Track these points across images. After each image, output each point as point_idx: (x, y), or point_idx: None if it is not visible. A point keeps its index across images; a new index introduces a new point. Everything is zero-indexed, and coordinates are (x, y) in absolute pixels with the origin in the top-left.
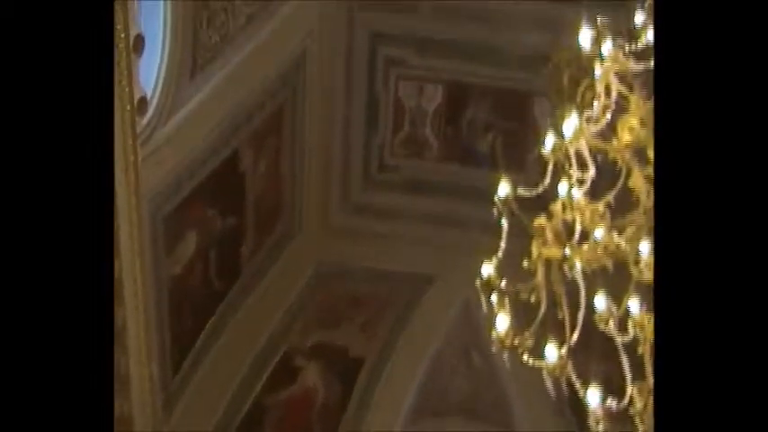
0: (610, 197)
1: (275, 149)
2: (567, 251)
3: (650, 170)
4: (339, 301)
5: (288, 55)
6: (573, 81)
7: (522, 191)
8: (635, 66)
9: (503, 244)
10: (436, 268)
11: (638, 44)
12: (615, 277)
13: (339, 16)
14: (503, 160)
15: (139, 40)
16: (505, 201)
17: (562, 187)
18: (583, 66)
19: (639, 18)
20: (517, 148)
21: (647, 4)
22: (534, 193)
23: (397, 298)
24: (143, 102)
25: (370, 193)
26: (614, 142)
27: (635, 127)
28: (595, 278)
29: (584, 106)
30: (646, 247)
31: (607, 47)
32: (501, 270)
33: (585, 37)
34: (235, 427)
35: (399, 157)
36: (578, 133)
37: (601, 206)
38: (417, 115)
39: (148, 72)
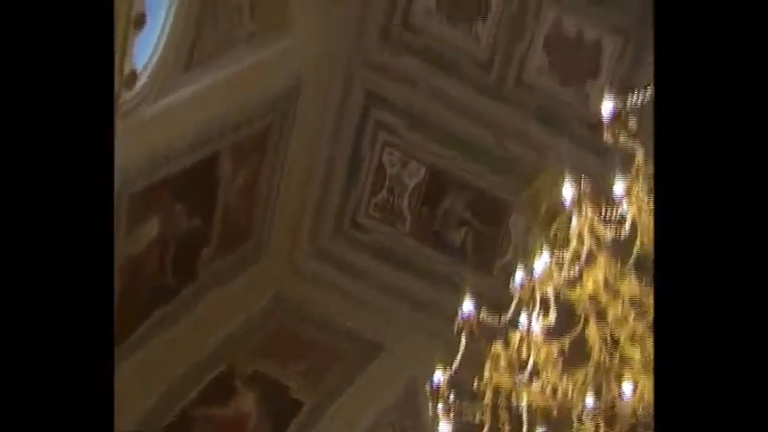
0: (566, 342)
1: (256, 167)
2: (517, 383)
3: (606, 330)
4: (289, 338)
5: (283, 81)
6: (550, 212)
7: (484, 314)
8: (607, 234)
9: (458, 358)
10: (388, 339)
11: (615, 213)
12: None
13: (339, 63)
14: (472, 258)
15: (141, 17)
16: (467, 321)
17: (523, 319)
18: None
19: (619, 188)
20: (487, 251)
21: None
22: (497, 320)
23: (345, 355)
24: (133, 75)
25: (338, 245)
26: (578, 289)
27: (599, 280)
28: (539, 416)
29: (555, 244)
30: (590, 402)
31: (585, 210)
32: (451, 383)
33: (567, 191)
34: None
35: (372, 220)
36: (547, 276)
37: (555, 349)
38: (397, 185)
39: (144, 51)
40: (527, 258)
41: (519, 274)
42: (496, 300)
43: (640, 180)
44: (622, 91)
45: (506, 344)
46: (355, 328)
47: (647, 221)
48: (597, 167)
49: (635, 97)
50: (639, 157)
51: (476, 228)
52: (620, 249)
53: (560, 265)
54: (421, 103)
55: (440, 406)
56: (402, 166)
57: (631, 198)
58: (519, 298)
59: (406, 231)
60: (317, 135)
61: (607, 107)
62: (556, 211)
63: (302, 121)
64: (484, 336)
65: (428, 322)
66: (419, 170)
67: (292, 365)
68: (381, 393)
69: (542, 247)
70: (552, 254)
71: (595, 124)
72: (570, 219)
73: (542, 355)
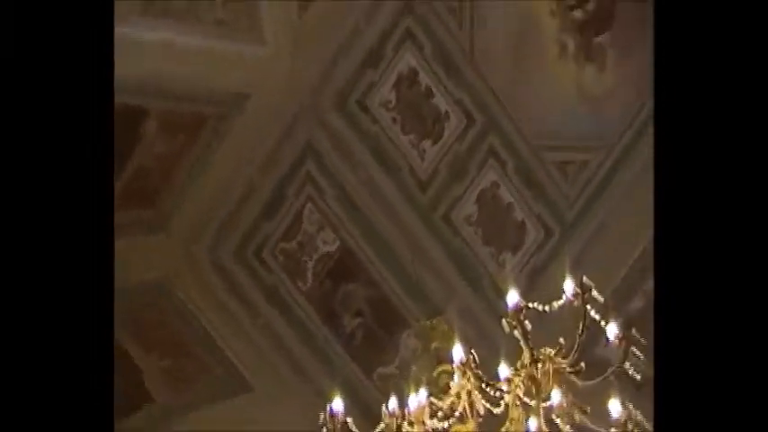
0: None
1: (180, 148)
2: None
3: None
4: (159, 328)
5: (234, 83)
6: (439, 355)
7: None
8: (481, 407)
9: None
10: (257, 383)
11: (494, 392)
12: None
13: (293, 99)
14: (356, 352)
15: None
16: (332, 418)
17: None
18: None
19: (502, 372)
20: (372, 353)
21: None
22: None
23: (215, 374)
24: None
25: (236, 266)
26: None
27: None
28: None
29: (436, 386)
30: None
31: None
32: None
33: (457, 353)
34: None
35: (276, 262)
36: (419, 414)
37: None
38: (308, 244)
39: None
40: (407, 385)
41: (393, 401)
42: (366, 409)
43: (521, 375)
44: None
45: None
46: (230, 357)
47: (518, 415)
48: (491, 339)
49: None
50: (526, 356)
51: (368, 325)
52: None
53: (433, 410)
54: (354, 184)
55: None
56: (319, 228)
57: (511, 386)
58: (386, 424)
59: (304, 291)
60: (249, 151)
61: (512, 297)
62: (444, 358)
63: (239, 131)
64: None
65: (298, 388)
66: (334, 242)
67: (156, 357)
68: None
69: (422, 384)
70: (429, 395)
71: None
72: (454, 373)
73: None
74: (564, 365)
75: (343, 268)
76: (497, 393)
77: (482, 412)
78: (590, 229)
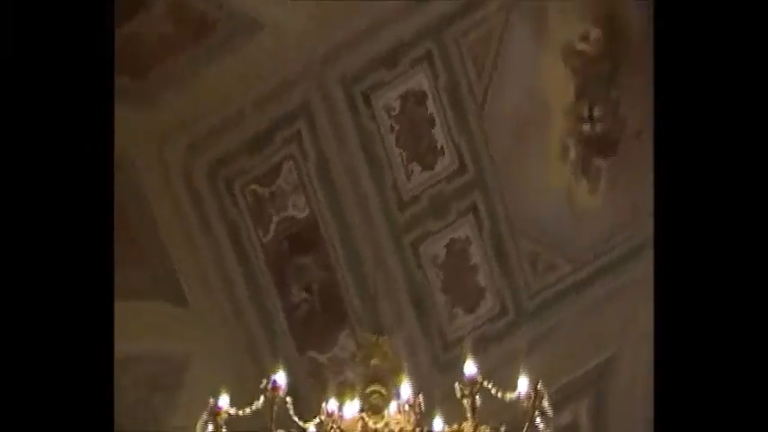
0: None
1: (183, 38)
2: None
3: None
4: None
5: (250, 6)
6: (374, 370)
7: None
8: None
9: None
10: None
11: None
12: None
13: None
14: (296, 325)
15: None
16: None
17: None
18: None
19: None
20: (308, 338)
21: None
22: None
23: None
24: None
25: (208, 187)
26: None
27: None
28: None
29: (366, 404)
30: None
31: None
32: None
33: (404, 390)
34: None
35: (243, 199)
36: (353, 423)
37: None
38: (279, 199)
39: None
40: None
41: (332, 402)
42: (298, 391)
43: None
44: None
45: None
46: (174, 264)
47: None
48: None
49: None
50: (469, 427)
51: (313, 305)
52: None
53: (365, 427)
54: (337, 166)
55: None
56: (293, 189)
57: None
58: (322, 421)
59: (264, 242)
60: (248, 79)
61: (470, 369)
62: (379, 378)
63: (242, 55)
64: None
65: (231, 321)
66: (303, 209)
67: None
68: None
69: (356, 394)
70: (363, 410)
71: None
72: (388, 399)
73: None
74: None
75: (304, 239)
76: None
77: None
78: (541, 328)
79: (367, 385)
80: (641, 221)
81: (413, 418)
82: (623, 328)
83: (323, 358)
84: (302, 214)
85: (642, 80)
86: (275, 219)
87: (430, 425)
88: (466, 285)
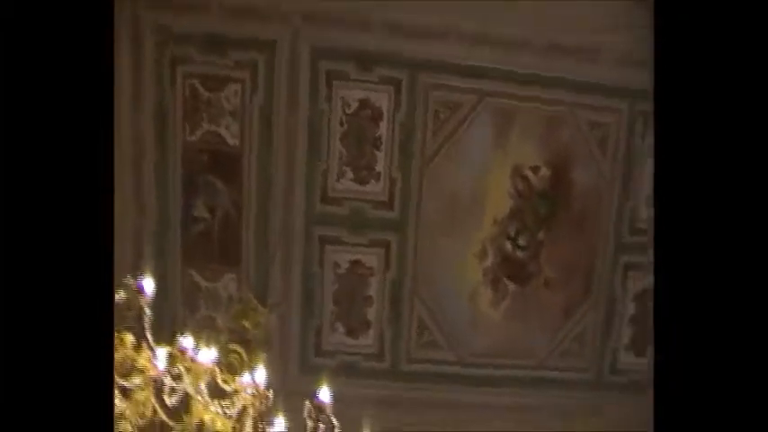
0: None
1: None
2: None
3: None
4: None
5: None
6: (243, 334)
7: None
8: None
9: None
10: None
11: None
12: None
13: None
14: (189, 239)
15: None
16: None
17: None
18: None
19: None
20: (194, 257)
21: None
22: None
23: None
24: None
25: (157, 51)
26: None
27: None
28: None
29: (225, 361)
30: None
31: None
32: None
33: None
34: None
35: (183, 83)
36: (202, 371)
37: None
38: (216, 110)
39: None
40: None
41: (189, 339)
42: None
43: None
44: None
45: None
46: None
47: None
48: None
49: None
50: None
51: (210, 228)
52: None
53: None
54: (282, 115)
55: None
56: (233, 112)
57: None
58: (172, 354)
59: (186, 139)
60: None
61: (324, 395)
62: (247, 341)
63: None
64: None
65: None
66: (234, 138)
67: None
68: None
69: (216, 345)
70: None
71: None
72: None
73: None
74: None
75: (225, 164)
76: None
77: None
78: (408, 395)
79: (229, 341)
80: (522, 358)
81: (258, 404)
82: None
83: (203, 283)
84: (231, 140)
85: (567, 243)
86: (205, 126)
87: (273, 419)
88: (356, 310)
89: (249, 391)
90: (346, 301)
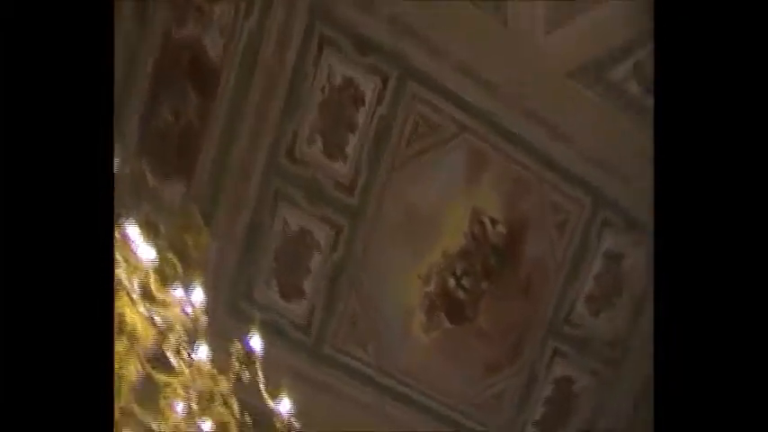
0: None
1: None
2: None
3: None
4: None
5: None
6: (182, 245)
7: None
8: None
9: None
10: None
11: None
12: None
13: None
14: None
15: None
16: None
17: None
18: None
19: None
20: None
21: None
22: None
23: None
24: None
25: None
26: None
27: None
28: None
29: (159, 266)
30: None
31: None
32: None
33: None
34: None
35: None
36: (136, 269)
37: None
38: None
39: None
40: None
41: (132, 228)
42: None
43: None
44: None
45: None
46: None
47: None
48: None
49: None
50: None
51: (172, 132)
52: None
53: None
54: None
55: None
56: (219, 32)
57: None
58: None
59: (173, 34)
60: None
61: (256, 342)
62: (183, 253)
63: None
64: None
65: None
66: (218, 54)
67: None
68: None
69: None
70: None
71: None
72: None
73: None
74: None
75: (201, 76)
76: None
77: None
78: (318, 377)
79: (167, 248)
80: (440, 393)
81: (190, 324)
82: None
83: (150, 180)
84: (214, 54)
85: (508, 304)
86: (190, 28)
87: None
88: (294, 275)
89: (184, 307)
90: (286, 263)
